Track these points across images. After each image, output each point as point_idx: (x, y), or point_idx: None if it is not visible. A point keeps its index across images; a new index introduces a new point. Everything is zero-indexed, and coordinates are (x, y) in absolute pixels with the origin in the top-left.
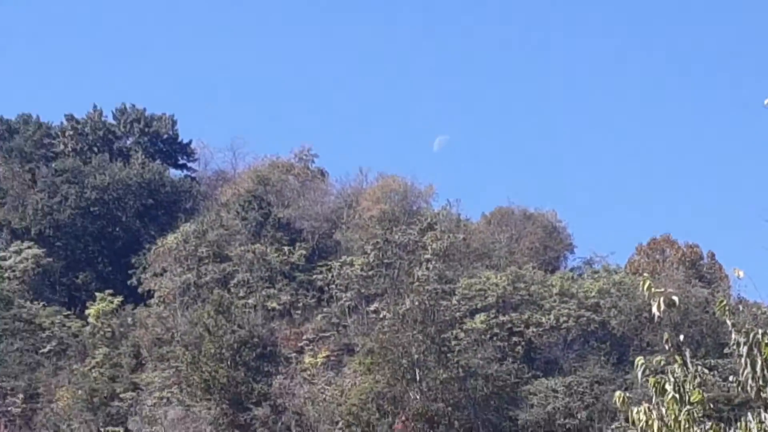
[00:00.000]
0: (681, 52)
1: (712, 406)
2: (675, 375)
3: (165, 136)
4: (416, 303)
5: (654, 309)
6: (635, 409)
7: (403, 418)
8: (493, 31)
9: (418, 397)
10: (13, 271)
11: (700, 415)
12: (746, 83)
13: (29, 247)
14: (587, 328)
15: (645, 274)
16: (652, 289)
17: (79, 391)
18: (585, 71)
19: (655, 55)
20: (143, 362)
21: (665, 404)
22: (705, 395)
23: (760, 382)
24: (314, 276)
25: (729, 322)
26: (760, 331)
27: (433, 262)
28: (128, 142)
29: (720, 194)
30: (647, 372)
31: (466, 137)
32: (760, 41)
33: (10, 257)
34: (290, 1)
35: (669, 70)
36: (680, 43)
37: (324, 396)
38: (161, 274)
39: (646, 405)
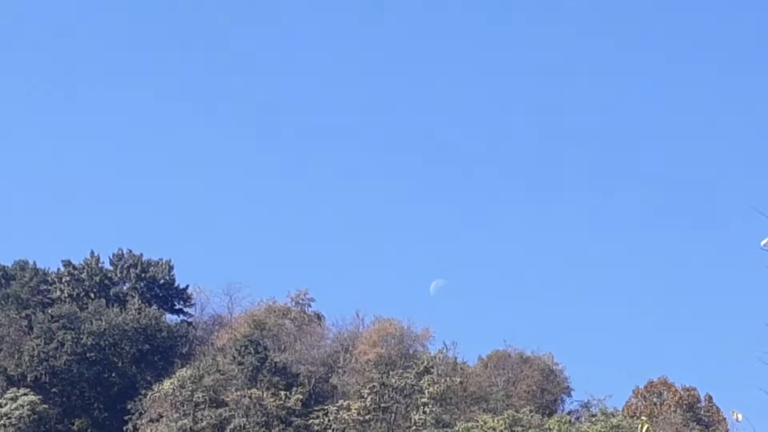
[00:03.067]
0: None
1: None
2: None
3: (162, 281)
4: None
5: None
6: None
7: None
8: (485, 176)
9: None
10: (9, 418)
11: None
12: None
13: (25, 394)
14: None
15: (643, 417)
16: None
17: None
18: (576, 202)
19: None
20: None
21: None
22: None
23: None
24: (311, 420)
25: None
26: None
27: (430, 406)
28: (125, 288)
29: (716, 336)
30: None
31: (463, 281)
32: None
33: (6, 404)
34: (287, 140)
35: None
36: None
37: None
38: (157, 420)
39: None
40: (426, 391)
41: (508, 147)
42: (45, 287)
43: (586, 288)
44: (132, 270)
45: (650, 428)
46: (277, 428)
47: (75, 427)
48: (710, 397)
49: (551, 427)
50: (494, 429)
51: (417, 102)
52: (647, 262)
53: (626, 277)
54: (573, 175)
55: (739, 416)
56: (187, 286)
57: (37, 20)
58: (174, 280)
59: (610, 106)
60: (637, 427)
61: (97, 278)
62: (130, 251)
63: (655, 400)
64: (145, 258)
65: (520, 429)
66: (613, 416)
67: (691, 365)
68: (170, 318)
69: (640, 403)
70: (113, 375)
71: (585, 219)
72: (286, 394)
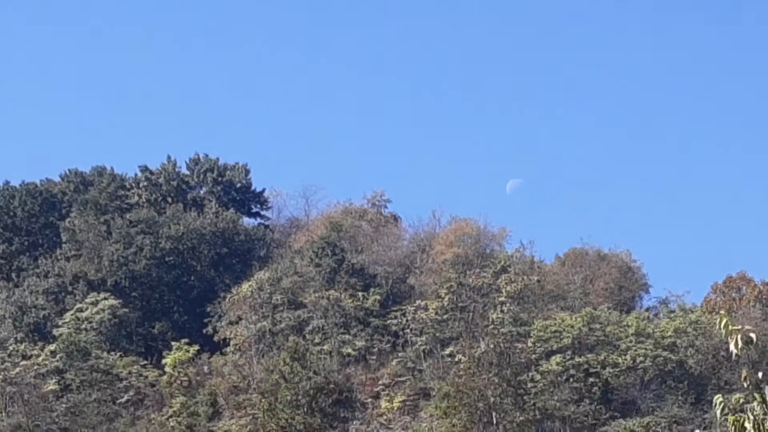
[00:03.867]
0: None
1: None
2: (754, 413)
3: (238, 185)
4: (491, 346)
5: (731, 347)
6: None
7: None
8: (562, 74)
9: None
10: (90, 322)
11: None
12: None
13: (105, 299)
14: (664, 367)
15: (722, 312)
16: (730, 327)
17: None
18: (653, 112)
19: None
20: (220, 410)
21: None
22: None
23: None
24: (389, 321)
25: None
26: None
27: (508, 305)
28: (202, 192)
29: None
30: (726, 411)
31: (539, 179)
32: None
33: (86, 309)
34: (361, 50)
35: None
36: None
37: None
38: (236, 323)
39: None
40: (503, 290)
41: (584, 44)
42: (123, 192)
43: (662, 184)
44: (209, 174)
45: (729, 323)
46: (355, 329)
47: (155, 331)
48: None
49: (629, 323)
50: (572, 326)
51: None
52: (721, 157)
53: (702, 172)
54: (649, 74)
55: None
56: (264, 190)
57: None
58: (250, 184)
59: None
60: (716, 323)
61: (174, 183)
62: (207, 155)
63: (734, 295)
64: (221, 162)
65: (598, 326)
66: (692, 312)
67: None
68: (247, 221)
69: (718, 299)
70: (192, 278)
71: (661, 119)
72: (363, 295)
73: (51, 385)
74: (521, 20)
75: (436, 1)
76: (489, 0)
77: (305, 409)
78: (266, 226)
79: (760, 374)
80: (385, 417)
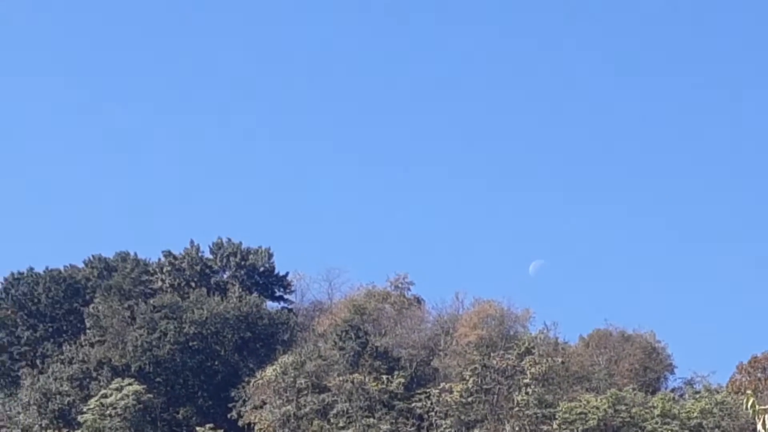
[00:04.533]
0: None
1: None
2: None
3: (261, 269)
4: (517, 428)
5: (759, 427)
6: None
7: None
8: (583, 154)
9: None
10: (115, 408)
11: None
12: None
13: (130, 384)
14: None
15: (749, 392)
16: (757, 407)
17: None
18: (673, 191)
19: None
20: None
21: None
22: None
23: None
24: (413, 404)
25: None
26: None
27: (533, 387)
28: (225, 276)
29: None
30: None
31: (562, 260)
32: None
33: (111, 395)
34: (381, 126)
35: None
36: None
37: None
38: (261, 407)
39: None
40: (528, 372)
41: (607, 128)
42: (146, 278)
43: (685, 263)
44: (232, 258)
45: (756, 403)
46: (380, 412)
47: (180, 416)
48: None
49: (655, 404)
50: (597, 408)
51: (511, 86)
52: (746, 234)
53: (725, 251)
54: (669, 159)
55: None
56: (287, 273)
57: None
58: (274, 268)
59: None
60: (742, 403)
61: (198, 267)
62: (230, 239)
63: (759, 375)
64: (244, 246)
65: (623, 407)
66: (718, 392)
67: None
68: (271, 305)
69: (744, 379)
70: (216, 363)
71: (682, 198)
72: (388, 378)
73: None
74: (540, 91)
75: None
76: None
77: None
78: (290, 310)
79: None
80: None
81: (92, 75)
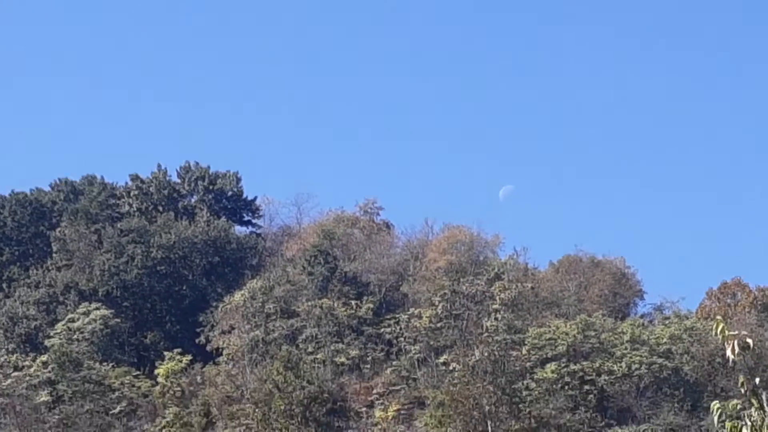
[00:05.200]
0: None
1: None
2: (752, 419)
3: (229, 193)
4: (486, 354)
5: (728, 353)
6: None
7: None
8: (554, 80)
9: None
10: (82, 332)
11: None
12: None
13: (97, 308)
14: (660, 375)
15: (718, 317)
16: (726, 333)
17: None
18: (648, 114)
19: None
20: (214, 421)
21: None
22: None
23: None
24: (382, 329)
25: None
26: None
27: (502, 312)
28: (193, 200)
29: None
30: (723, 417)
31: (532, 186)
32: None
33: (78, 319)
34: (351, 58)
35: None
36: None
37: None
38: (229, 332)
39: None
40: (497, 298)
41: (584, 48)
42: (113, 202)
43: (657, 189)
44: (200, 182)
45: (725, 328)
46: (348, 337)
47: (147, 341)
48: None
49: (624, 330)
50: (567, 334)
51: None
52: (717, 161)
53: (696, 177)
54: (640, 79)
55: None
56: (256, 198)
57: None
58: (242, 192)
59: None
60: (711, 329)
61: (165, 191)
62: (197, 163)
63: (729, 301)
64: (212, 170)
65: (592, 333)
66: (687, 318)
67: (765, 265)
68: (239, 230)
69: (713, 305)
70: (184, 288)
71: (655, 124)
72: (357, 304)
73: (43, 396)
74: (511, 25)
75: (426, 6)
76: (480, 3)
77: (299, 418)
78: (258, 235)
79: (757, 380)
80: (379, 426)
81: None
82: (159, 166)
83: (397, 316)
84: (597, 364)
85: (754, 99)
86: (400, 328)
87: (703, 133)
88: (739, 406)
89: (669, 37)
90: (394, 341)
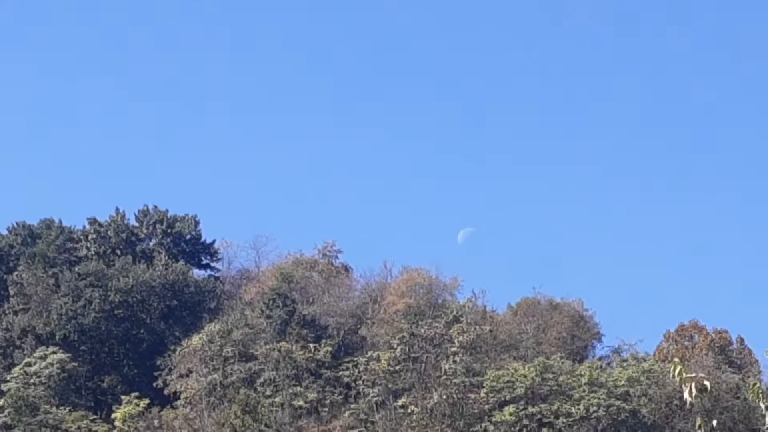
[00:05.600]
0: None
1: None
2: None
3: (188, 237)
4: (444, 397)
5: (685, 395)
6: None
7: None
8: (514, 123)
9: None
10: (39, 376)
11: None
12: None
13: (54, 352)
14: (617, 417)
15: (676, 360)
16: (684, 375)
17: None
18: (607, 154)
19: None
20: None
21: None
22: None
23: None
24: (341, 372)
25: (762, 405)
26: None
27: (460, 355)
28: (151, 244)
29: (747, 278)
30: None
31: (491, 228)
32: None
33: (35, 363)
34: (312, 98)
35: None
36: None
37: None
38: (187, 375)
39: None
40: (456, 341)
41: (531, 96)
42: (71, 245)
43: (615, 233)
44: (158, 226)
45: (683, 369)
46: (307, 380)
47: (105, 384)
48: (742, 339)
49: (582, 373)
50: (525, 376)
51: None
52: (675, 205)
53: (653, 222)
54: (592, 120)
55: None
56: (214, 241)
57: None
58: (200, 235)
59: None
60: (669, 371)
61: (123, 235)
62: (156, 207)
63: (686, 343)
64: (170, 213)
65: (551, 375)
66: (645, 360)
67: (722, 308)
68: (197, 273)
69: (671, 347)
70: (142, 331)
71: (610, 162)
72: (315, 347)
73: None
74: (474, 58)
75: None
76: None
77: None
78: (216, 278)
79: (714, 423)
80: None
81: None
82: (117, 209)
83: (355, 359)
84: (555, 407)
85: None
86: (359, 371)
87: (663, 174)
88: None
89: (625, 75)
90: (353, 384)
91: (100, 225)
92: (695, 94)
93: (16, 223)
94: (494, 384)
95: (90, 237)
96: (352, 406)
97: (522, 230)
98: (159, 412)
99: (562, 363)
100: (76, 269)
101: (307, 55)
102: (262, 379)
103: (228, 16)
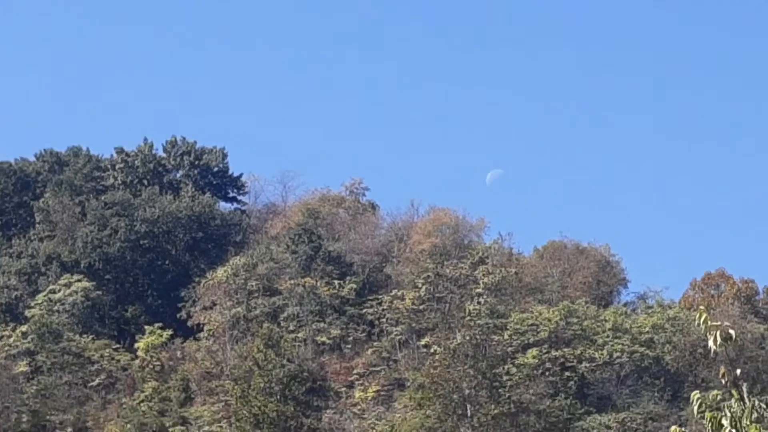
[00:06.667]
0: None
1: None
2: (732, 410)
3: (215, 169)
4: (467, 338)
5: (710, 343)
6: None
7: None
8: (545, 68)
9: None
10: (63, 304)
11: None
12: None
13: (79, 280)
14: (641, 363)
15: (701, 308)
16: (709, 323)
17: (128, 425)
18: (633, 107)
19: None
20: (192, 396)
21: None
22: (762, 430)
23: None
24: (365, 310)
25: None
26: None
27: (485, 297)
28: (178, 175)
29: None
30: (703, 407)
31: (519, 171)
32: None
33: (59, 290)
34: (342, 37)
35: (717, 100)
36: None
37: (374, 431)
38: (211, 308)
39: None
40: (481, 282)
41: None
42: (98, 174)
43: (642, 179)
44: (185, 157)
45: (708, 317)
46: (330, 317)
47: (128, 314)
48: None
49: (607, 318)
50: (549, 320)
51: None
52: (701, 154)
53: (682, 168)
54: (630, 69)
55: None
56: (241, 174)
57: None
58: (228, 168)
59: None
60: (694, 319)
61: (151, 165)
62: (184, 138)
63: (712, 292)
64: (198, 145)
65: (575, 320)
66: (670, 308)
67: (749, 257)
68: (224, 206)
69: (697, 295)
70: (166, 262)
71: (642, 114)
72: (339, 283)
73: (22, 366)
74: (502, 13)
75: None
76: None
77: (278, 396)
78: (243, 212)
79: (738, 372)
80: (359, 407)
81: None
82: (145, 139)
83: (379, 297)
84: (578, 351)
85: (736, 95)
86: (383, 310)
87: (690, 125)
88: (719, 397)
89: (664, 37)
90: (376, 322)
91: (128, 155)
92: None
93: (44, 150)
94: (518, 327)
95: (117, 166)
96: (375, 344)
97: (550, 174)
98: (182, 343)
99: (587, 308)
100: (103, 198)
101: None
102: (285, 314)
103: None
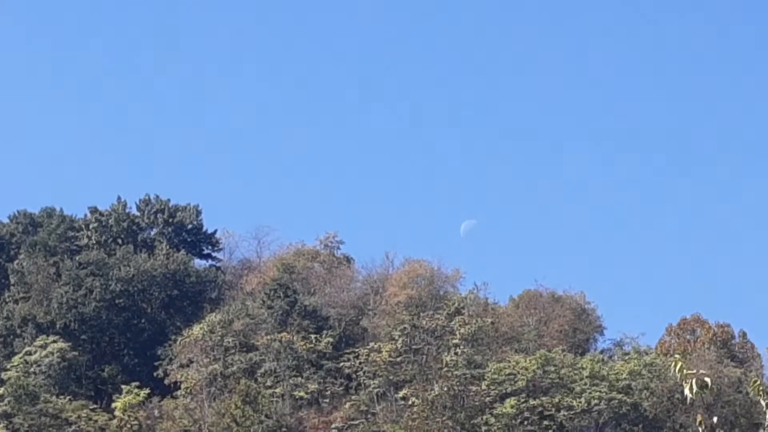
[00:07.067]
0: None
1: None
2: None
3: (189, 227)
4: (445, 389)
5: (686, 391)
6: None
7: None
8: (517, 115)
9: None
10: (39, 365)
11: None
12: None
13: (54, 341)
14: (619, 410)
15: (676, 356)
16: (684, 371)
17: None
18: (606, 151)
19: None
20: None
21: None
22: None
23: None
24: (342, 363)
25: (763, 402)
26: None
27: (462, 347)
28: (152, 233)
29: (750, 271)
30: None
31: (493, 221)
32: None
33: (35, 352)
34: (315, 93)
35: (693, 133)
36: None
37: None
38: (188, 366)
39: None
40: (457, 332)
41: (541, 88)
42: (72, 234)
43: (618, 226)
44: (159, 215)
45: (684, 365)
46: (308, 371)
47: (105, 374)
48: (744, 334)
49: (584, 365)
50: (526, 369)
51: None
52: (678, 199)
53: (656, 215)
54: (598, 115)
55: None
56: (216, 231)
57: None
58: (202, 225)
59: None
60: (670, 365)
61: (125, 224)
62: (157, 196)
63: (688, 337)
64: (172, 203)
65: (552, 368)
66: (647, 354)
67: (724, 302)
68: (199, 263)
69: (673, 341)
70: (142, 321)
71: (612, 155)
72: (316, 338)
73: None
74: (475, 62)
75: (385, 33)
76: (442, 27)
77: None
78: (218, 268)
79: (715, 418)
80: None
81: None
82: (118, 198)
83: (356, 350)
84: (556, 400)
85: (716, 138)
86: (360, 363)
87: (662, 171)
88: None
89: (629, 77)
90: (354, 375)
91: (102, 214)
92: (696, 85)
93: (18, 212)
94: (495, 376)
95: (91, 226)
96: (353, 397)
97: (524, 223)
98: (159, 401)
99: (564, 356)
100: (77, 258)
101: (306, 47)
102: (262, 370)
103: (228, 9)
